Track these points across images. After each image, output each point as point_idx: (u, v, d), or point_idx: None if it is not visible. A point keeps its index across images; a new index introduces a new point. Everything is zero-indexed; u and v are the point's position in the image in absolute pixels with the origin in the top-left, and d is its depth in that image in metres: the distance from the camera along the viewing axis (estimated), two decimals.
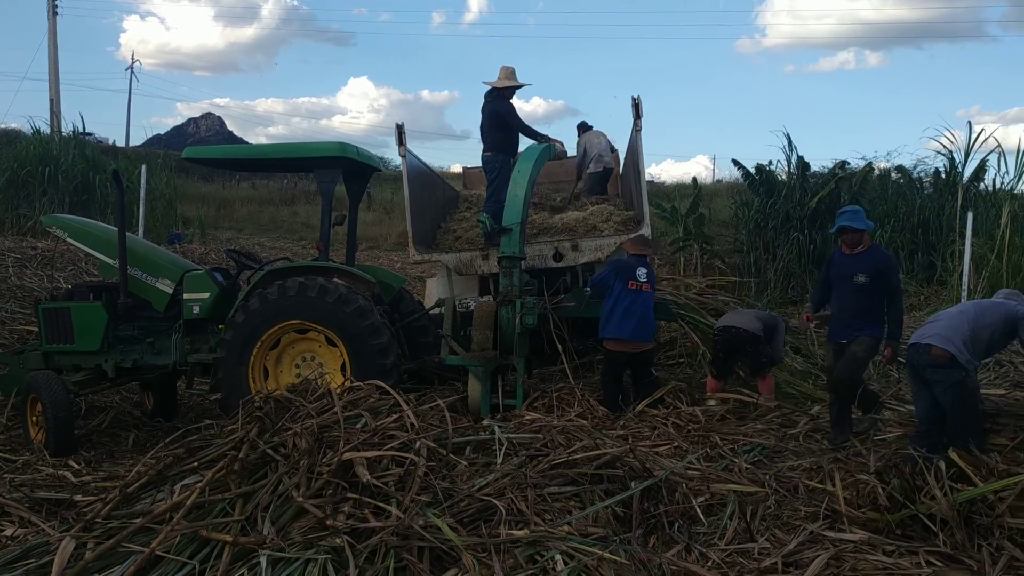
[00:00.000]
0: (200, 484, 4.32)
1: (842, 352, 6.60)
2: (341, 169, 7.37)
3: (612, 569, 3.71)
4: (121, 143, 40.81)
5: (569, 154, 11.47)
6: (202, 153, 8.21)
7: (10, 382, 7.43)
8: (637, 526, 4.37)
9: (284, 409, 5.01)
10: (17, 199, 17.56)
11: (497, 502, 4.16)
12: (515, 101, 9.39)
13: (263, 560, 3.71)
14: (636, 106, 9.25)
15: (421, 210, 9.52)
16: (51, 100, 29.27)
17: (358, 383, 5.56)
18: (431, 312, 8.14)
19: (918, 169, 19.40)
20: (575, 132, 12.08)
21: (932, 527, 4.33)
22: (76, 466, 6.18)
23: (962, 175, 17.37)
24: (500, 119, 9.15)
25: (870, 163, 19.35)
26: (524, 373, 7.44)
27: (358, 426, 4.73)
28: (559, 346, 7.82)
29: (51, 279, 11.98)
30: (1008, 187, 16.63)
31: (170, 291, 7.29)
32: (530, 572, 3.68)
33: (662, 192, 26.27)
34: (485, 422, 5.90)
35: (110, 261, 7.32)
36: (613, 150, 11.63)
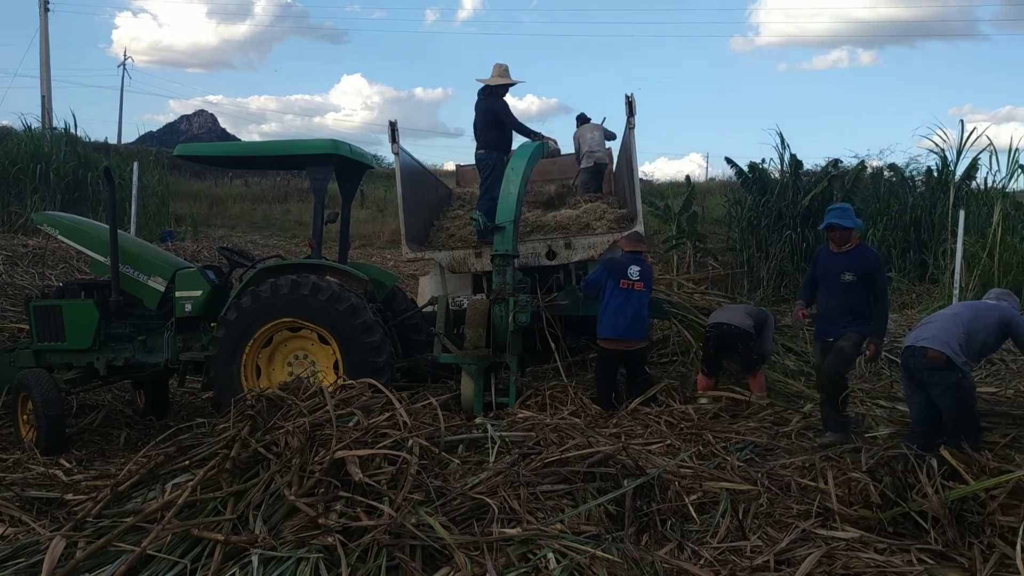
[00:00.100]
0: (192, 483, 4.30)
1: (829, 350, 6.58)
2: (334, 167, 7.36)
3: (604, 567, 3.71)
4: (113, 140, 40.64)
5: (568, 150, 11.50)
6: (194, 150, 8.18)
7: (1, 380, 7.40)
8: (630, 524, 4.37)
9: (276, 407, 4.99)
10: (8, 196, 17.47)
11: (490, 500, 4.15)
12: (509, 98, 9.41)
13: (255, 559, 3.70)
14: (629, 104, 9.26)
15: (414, 208, 9.51)
16: (43, 97, 29.15)
17: (350, 381, 5.54)
18: (424, 310, 8.14)
19: (910, 167, 19.47)
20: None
21: (924, 525, 4.34)
22: (67, 465, 6.14)
23: (954, 173, 17.42)
24: (494, 117, 9.14)
25: (863, 161, 19.42)
26: (517, 371, 7.43)
27: (350, 424, 4.72)
28: (552, 344, 7.81)
29: (42, 277, 11.94)
30: (1000, 185, 16.69)
31: (162, 289, 7.27)
32: (522, 570, 3.68)
33: (655, 190, 26.32)
34: (478, 420, 5.90)
35: (101, 259, 7.29)
36: (612, 137, 11.59)
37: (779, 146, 19.13)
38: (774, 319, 8.21)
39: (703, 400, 7.47)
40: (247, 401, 5.10)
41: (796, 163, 19.03)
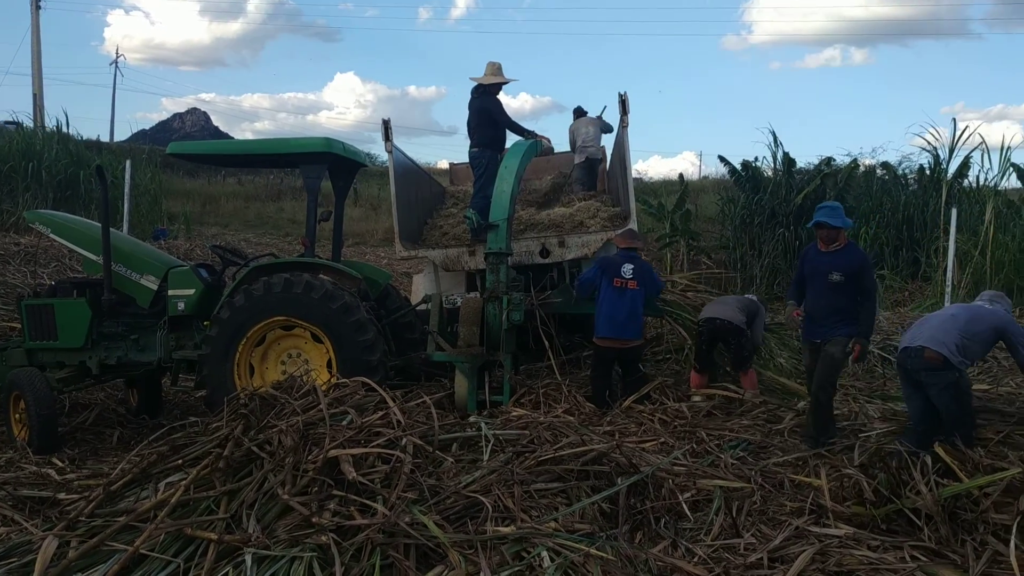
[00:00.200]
0: (185, 482, 4.29)
1: (817, 351, 6.51)
2: (327, 165, 7.34)
3: (598, 565, 3.71)
4: (106, 138, 40.48)
5: (561, 147, 11.48)
6: (187, 148, 8.16)
7: None
8: (624, 522, 4.38)
9: (269, 406, 4.98)
10: (0, 195, 17.40)
11: (484, 499, 4.15)
12: (502, 97, 9.39)
13: (248, 558, 3.69)
14: (623, 102, 9.27)
15: (408, 206, 9.50)
16: (34, 95, 28.98)
17: (344, 380, 5.53)
18: (418, 308, 8.13)
19: (903, 166, 19.53)
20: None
21: (917, 522, 4.35)
22: (60, 464, 6.12)
23: (946, 172, 17.48)
24: (487, 115, 9.14)
25: (855, 159, 19.47)
26: (511, 369, 7.43)
27: (344, 423, 4.71)
28: (546, 342, 7.82)
29: (34, 275, 11.88)
30: (992, 183, 16.76)
31: (155, 287, 7.25)
32: (516, 569, 3.68)
33: (648, 188, 26.30)
34: (472, 418, 5.89)
35: (94, 257, 7.27)
36: (609, 130, 11.57)
37: (772, 144, 19.18)
38: (765, 310, 8.20)
39: (696, 398, 7.48)
40: (240, 400, 5.09)
41: (789, 161, 19.08)
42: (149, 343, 7.27)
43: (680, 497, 4.76)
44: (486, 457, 4.80)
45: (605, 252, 8.61)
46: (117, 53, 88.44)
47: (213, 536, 3.83)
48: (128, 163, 14.95)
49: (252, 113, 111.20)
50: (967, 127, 19.23)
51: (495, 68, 9.27)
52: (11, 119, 22.98)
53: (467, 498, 4.21)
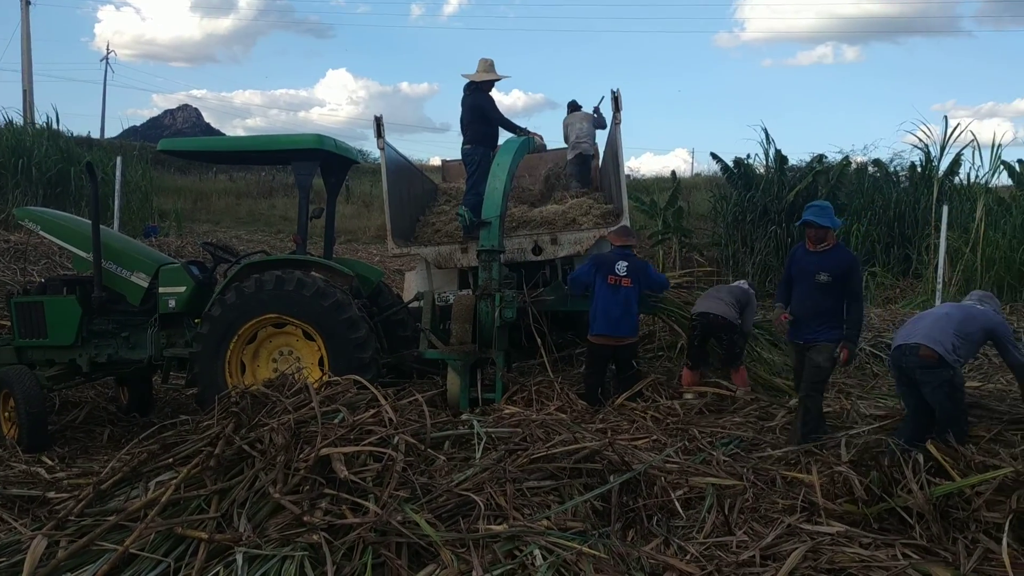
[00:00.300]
0: (175, 480, 4.27)
1: (801, 352, 6.45)
2: (319, 162, 7.31)
3: (591, 563, 3.71)
4: (96, 135, 40.30)
5: (554, 145, 11.45)
6: (178, 145, 8.13)
7: None
8: (616, 520, 4.37)
9: (261, 404, 4.96)
10: None
11: (476, 497, 4.14)
12: (494, 94, 9.38)
13: (239, 557, 3.67)
14: (615, 99, 9.26)
15: (400, 203, 9.48)
16: (24, 91, 28.86)
17: (336, 378, 5.52)
18: (410, 306, 8.11)
19: (894, 163, 19.62)
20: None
21: (909, 520, 4.36)
22: (49, 462, 6.10)
23: (938, 169, 17.55)
24: (479, 112, 9.12)
25: (847, 157, 19.57)
26: (503, 367, 7.43)
27: (336, 421, 4.69)
28: (538, 340, 7.81)
29: (24, 272, 11.84)
30: (983, 181, 16.83)
31: (145, 285, 7.21)
32: (509, 567, 3.67)
33: (641, 185, 26.36)
34: (464, 416, 5.88)
35: (84, 254, 7.23)
36: (603, 127, 11.55)
37: (764, 141, 19.25)
38: (755, 299, 8.19)
39: (688, 395, 7.48)
40: (231, 398, 5.06)
41: (781, 159, 19.15)
42: (140, 341, 7.24)
43: (672, 495, 4.75)
44: (478, 455, 4.80)
45: (598, 249, 8.61)
46: (108, 49, 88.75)
47: (204, 535, 3.82)
48: (119, 160, 14.89)
49: (244, 109, 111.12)
50: (958, 124, 19.22)
51: (487, 65, 9.25)
52: None
53: (459, 496, 4.20)
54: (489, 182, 7.86)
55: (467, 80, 9.27)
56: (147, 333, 7.19)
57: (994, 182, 17.13)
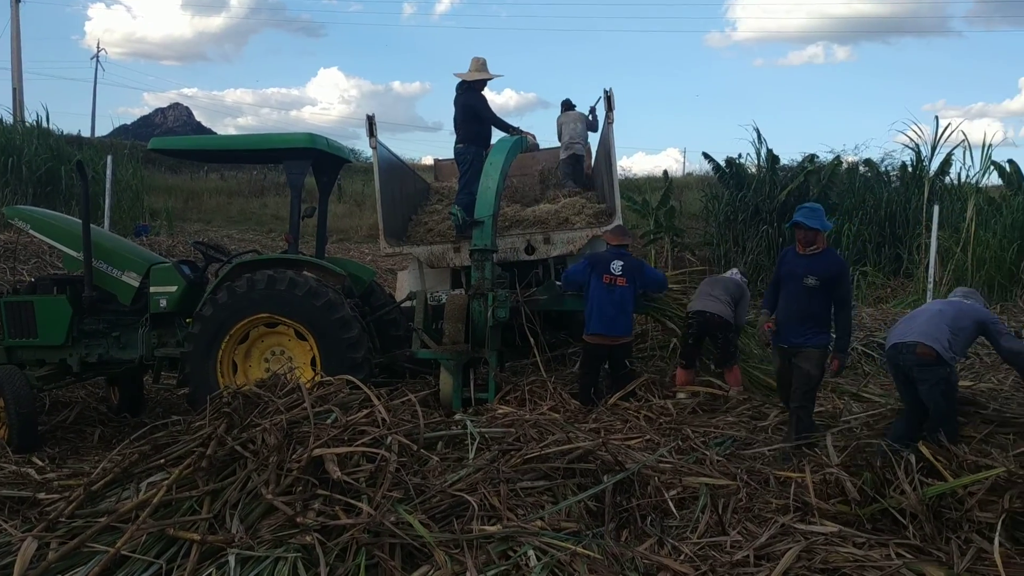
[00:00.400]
0: (167, 481, 4.24)
1: (785, 356, 6.37)
2: (311, 160, 7.29)
3: (585, 564, 3.70)
4: (87, 133, 40.11)
5: (547, 144, 11.46)
6: (169, 144, 8.09)
7: None
8: (610, 520, 4.37)
9: (253, 404, 4.93)
10: None
11: (469, 497, 4.12)
12: (487, 92, 9.35)
13: (231, 559, 3.65)
14: (608, 98, 9.26)
15: (392, 202, 9.46)
16: (14, 89, 28.76)
17: (328, 378, 5.50)
18: (402, 305, 8.09)
19: (885, 163, 19.68)
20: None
21: (902, 520, 4.36)
22: (40, 463, 6.04)
23: (929, 169, 17.61)
24: (472, 111, 9.11)
25: (838, 156, 19.62)
26: (496, 366, 7.41)
27: (328, 422, 4.68)
28: (531, 339, 7.80)
29: (14, 272, 11.78)
30: (973, 181, 16.90)
31: (136, 284, 7.18)
32: (503, 568, 3.66)
33: (633, 185, 26.35)
34: (457, 416, 5.87)
35: (74, 254, 7.20)
36: (594, 129, 11.56)
37: (756, 141, 19.28)
38: (748, 292, 8.17)
39: (681, 395, 7.48)
40: (223, 398, 5.04)
41: (773, 158, 19.18)
42: (131, 340, 7.21)
43: (666, 495, 4.75)
44: (471, 455, 4.77)
45: (591, 249, 8.61)
46: (98, 47, 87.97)
47: (196, 537, 3.79)
48: (109, 158, 14.82)
49: (235, 108, 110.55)
50: (949, 124, 19.33)
51: (480, 64, 9.24)
52: None
53: (453, 497, 4.18)
54: (482, 181, 7.84)
55: (459, 79, 9.25)
56: (138, 333, 7.16)
57: (984, 182, 17.20)
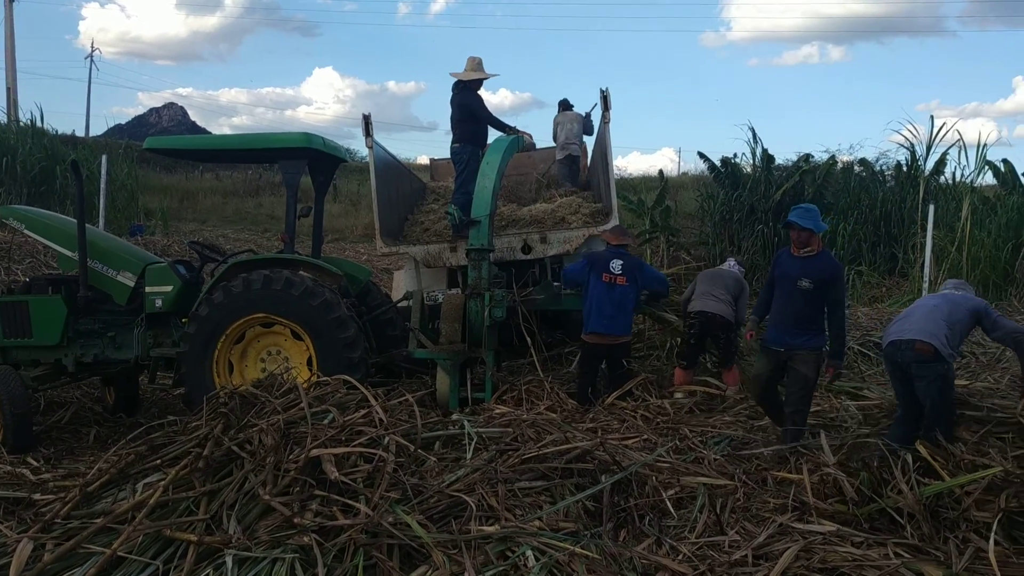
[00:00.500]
0: (163, 482, 4.23)
1: (775, 359, 6.24)
2: (307, 160, 7.27)
3: (584, 564, 3.69)
4: (81, 133, 40.02)
5: (543, 143, 11.45)
6: (164, 143, 8.06)
7: None
8: (608, 520, 4.36)
9: (250, 405, 4.92)
10: None
11: (467, 498, 4.12)
12: (482, 92, 9.34)
13: (229, 560, 3.64)
14: (604, 98, 9.26)
15: (388, 202, 9.45)
16: (8, 89, 28.62)
17: (325, 378, 5.48)
18: (399, 305, 8.08)
19: (880, 162, 19.68)
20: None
21: (900, 520, 4.36)
22: (35, 464, 6.02)
23: (924, 168, 17.63)
24: (468, 111, 9.10)
25: (833, 156, 19.61)
26: (493, 366, 7.40)
27: (325, 422, 4.67)
28: (528, 339, 7.79)
29: (8, 272, 11.72)
30: (968, 180, 16.93)
31: (131, 284, 7.16)
32: (501, 569, 3.65)
33: (628, 184, 26.35)
34: (454, 416, 5.86)
35: (69, 253, 7.17)
36: (590, 131, 11.56)
37: (751, 141, 19.28)
38: (747, 286, 8.16)
39: (678, 394, 7.48)
40: (220, 398, 5.03)
41: (768, 158, 19.18)
42: (126, 340, 7.18)
43: (664, 494, 4.75)
44: (469, 456, 4.77)
45: (587, 248, 8.62)
46: (92, 47, 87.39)
47: (193, 538, 3.78)
48: (104, 158, 14.78)
49: (230, 108, 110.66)
50: (944, 124, 19.41)
51: (475, 63, 9.23)
52: None
53: (450, 497, 4.18)
54: (479, 181, 7.83)
55: (455, 79, 9.24)
56: (134, 333, 7.13)
57: (979, 182, 17.23)
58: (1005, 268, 14.51)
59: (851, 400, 7.28)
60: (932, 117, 18.39)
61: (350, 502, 3.96)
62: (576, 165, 11.61)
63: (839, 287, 6.17)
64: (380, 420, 4.70)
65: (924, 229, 14.61)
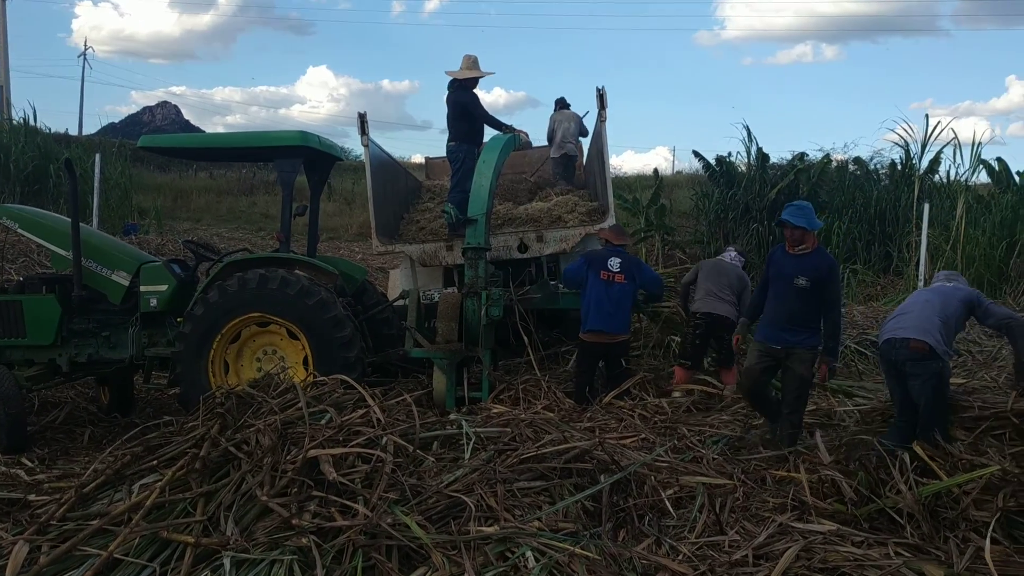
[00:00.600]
0: (160, 483, 4.21)
1: (768, 355, 6.18)
2: (302, 159, 7.24)
3: (583, 564, 3.67)
4: (74, 132, 39.84)
5: (539, 142, 11.43)
6: (159, 142, 8.01)
7: None
8: (607, 520, 4.34)
9: (246, 405, 4.90)
10: None
11: (466, 498, 4.10)
12: (477, 91, 9.31)
13: (226, 562, 3.62)
14: (600, 97, 9.24)
15: (384, 200, 9.42)
16: (0, 87, 28.50)
17: (322, 378, 5.46)
18: (395, 304, 8.05)
19: (874, 161, 19.72)
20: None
21: (899, 520, 4.36)
22: (29, 464, 5.99)
23: (918, 167, 17.66)
24: (464, 109, 9.07)
25: (828, 155, 19.66)
26: (490, 365, 7.38)
27: (323, 422, 4.64)
28: (525, 338, 7.77)
29: (2, 271, 11.64)
30: (963, 179, 16.97)
31: (126, 283, 7.12)
32: (501, 569, 3.63)
33: (623, 183, 26.35)
34: (452, 416, 5.84)
35: (63, 252, 7.12)
36: (584, 133, 11.54)
37: (746, 139, 19.31)
38: (748, 280, 8.14)
39: (676, 393, 7.46)
40: (216, 398, 5.00)
41: (763, 156, 19.20)
42: (121, 340, 7.14)
43: (663, 494, 4.73)
44: (467, 455, 4.75)
45: (584, 247, 8.60)
46: (85, 45, 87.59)
47: (190, 539, 3.76)
48: (98, 157, 14.71)
49: (224, 107, 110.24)
50: (939, 123, 19.42)
51: (471, 62, 9.21)
52: None
53: (449, 498, 4.16)
54: (475, 179, 7.81)
55: (451, 77, 9.21)
56: (128, 332, 7.09)
57: (974, 180, 17.28)
58: (1000, 266, 14.56)
59: (847, 398, 7.29)
60: (927, 115, 18.52)
61: (348, 503, 3.94)
62: (572, 164, 11.59)
63: (835, 284, 6.12)
64: (378, 420, 4.67)
65: (919, 227, 14.65)
